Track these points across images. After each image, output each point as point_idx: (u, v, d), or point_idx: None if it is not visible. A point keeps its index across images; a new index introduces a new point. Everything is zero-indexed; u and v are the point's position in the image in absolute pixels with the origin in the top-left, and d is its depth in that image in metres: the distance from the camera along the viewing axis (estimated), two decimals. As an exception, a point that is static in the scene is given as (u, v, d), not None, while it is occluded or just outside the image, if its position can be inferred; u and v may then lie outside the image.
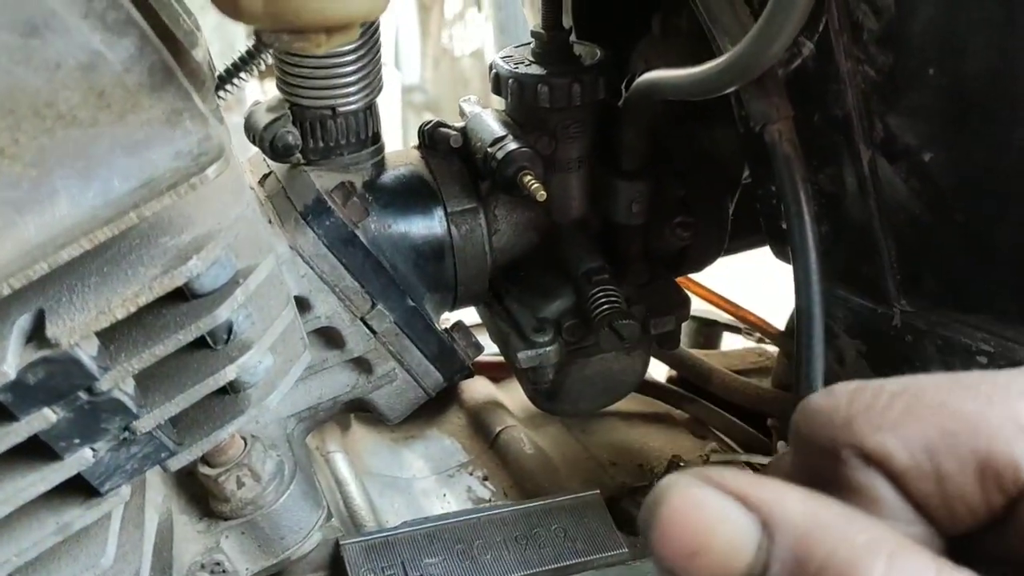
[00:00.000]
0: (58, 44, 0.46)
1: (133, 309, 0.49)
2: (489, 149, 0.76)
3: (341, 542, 0.73)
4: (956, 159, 0.58)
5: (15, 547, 0.53)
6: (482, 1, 3.61)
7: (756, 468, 0.86)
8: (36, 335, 0.49)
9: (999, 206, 0.57)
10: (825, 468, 0.32)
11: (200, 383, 0.54)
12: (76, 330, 0.48)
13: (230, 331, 0.56)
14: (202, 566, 0.69)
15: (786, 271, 0.73)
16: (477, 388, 1.04)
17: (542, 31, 0.79)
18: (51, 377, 0.49)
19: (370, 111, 0.75)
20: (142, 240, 0.52)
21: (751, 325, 1.07)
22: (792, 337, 1.00)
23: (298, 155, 0.73)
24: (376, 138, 0.77)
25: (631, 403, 1.05)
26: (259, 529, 0.69)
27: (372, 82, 0.74)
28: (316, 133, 0.73)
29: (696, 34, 0.81)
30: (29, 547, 0.53)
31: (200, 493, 0.71)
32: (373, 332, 0.73)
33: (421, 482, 0.94)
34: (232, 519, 0.69)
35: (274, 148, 0.71)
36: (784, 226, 0.72)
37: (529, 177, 0.73)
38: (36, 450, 0.52)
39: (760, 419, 1.00)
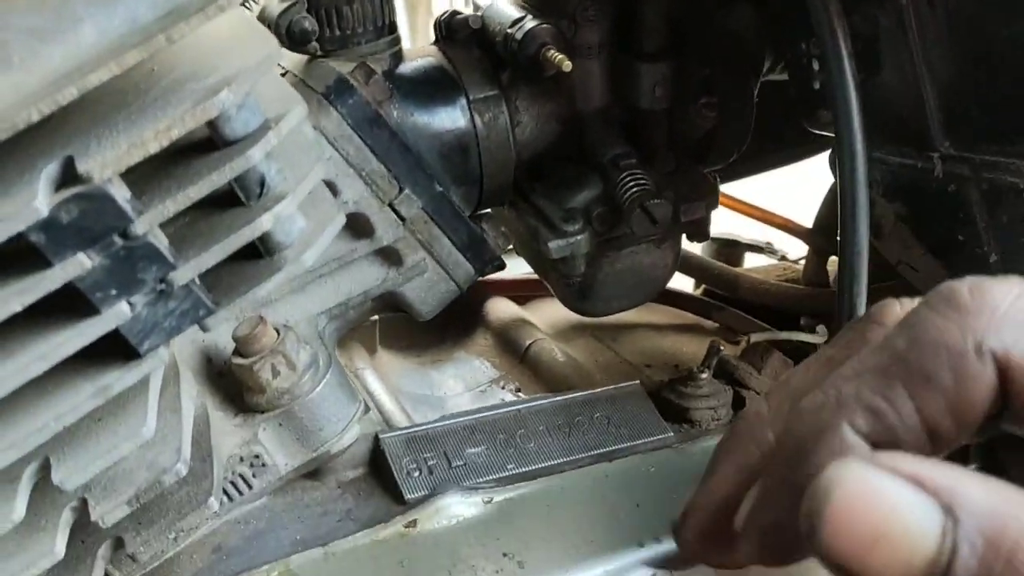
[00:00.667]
0: None
1: (165, 143, 0.47)
2: (509, 30, 0.74)
3: (380, 435, 0.71)
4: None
5: (53, 411, 0.51)
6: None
7: (798, 345, 0.84)
8: (66, 178, 0.48)
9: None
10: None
11: (236, 233, 0.52)
12: (108, 164, 0.46)
13: (262, 185, 0.54)
14: (241, 459, 0.67)
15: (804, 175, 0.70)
16: (502, 308, 1.03)
17: (555, -88, 0.77)
18: (84, 216, 0.47)
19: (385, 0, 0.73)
20: (168, 87, 0.50)
21: (778, 226, 1.05)
22: (820, 234, 0.99)
23: (315, 44, 0.71)
24: (393, 27, 0.75)
25: (660, 315, 1.03)
26: (296, 420, 0.67)
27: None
28: (332, 21, 0.71)
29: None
30: (67, 411, 0.51)
31: (234, 392, 0.69)
32: (402, 219, 0.71)
33: (454, 399, 0.92)
34: (268, 410, 0.67)
35: (290, 35, 0.70)
36: (817, 85, 0.71)
37: (552, 51, 0.72)
38: (72, 308, 0.51)
39: (793, 321, 0.98)
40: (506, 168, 0.79)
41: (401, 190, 0.71)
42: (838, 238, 0.95)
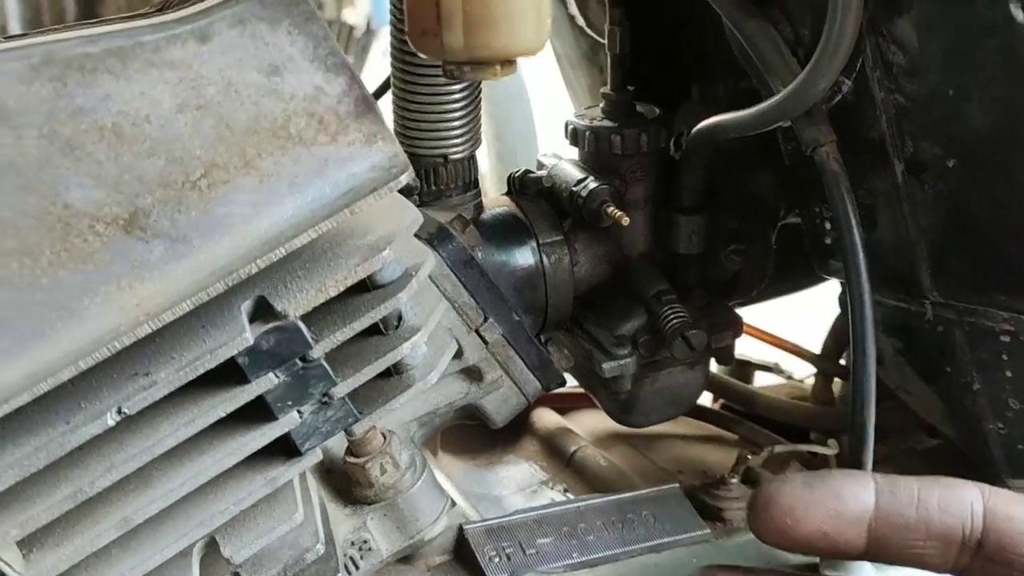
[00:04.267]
0: (292, 81, 0.60)
1: (343, 288, 0.62)
2: (574, 188, 0.90)
3: (464, 526, 0.83)
4: (974, 162, 0.72)
5: (233, 497, 0.64)
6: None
7: (816, 456, 0.97)
8: (260, 314, 0.62)
9: (1012, 195, 0.71)
10: None
11: (382, 357, 0.66)
12: (300, 305, 0.61)
13: (399, 319, 0.69)
14: (352, 543, 0.79)
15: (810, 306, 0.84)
16: (546, 418, 1.16)
17: (611, 92, 0.94)
18: (279, 344, 0.61)
19: (472, 159, 0.89)
20: (333, 242, 0.65)
21: (788, 350, 1.19)
22: (827, 359, 1.13)
23: (416, 197, 0.87)
24: (476, 183, 0.91)
25: (686, 426, 1.17)
26: (398, 511, 0.79)
27: (475, 134, 0.88)
28: (430, 179, 0.87)
29: (731, 100, 0.96)
30: (244, 497, 0.64)
31: (343, 486, 0.81)
32: (485, 342, 0.86)
33: (508, 498, 1.04)
34: (375, 503, 0.79)
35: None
36: (828, 241, 0.87)
37: (612, 207, 0.87)
38: (251, 414, 0.64)
39: (804, 434, 1.12)
40: (567, 300, 0.93)
41: (486, 319, 0.85)
42: (843, 363, 1.10)
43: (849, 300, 0.77)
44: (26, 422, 0.57)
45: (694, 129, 0.88)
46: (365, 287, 0.66)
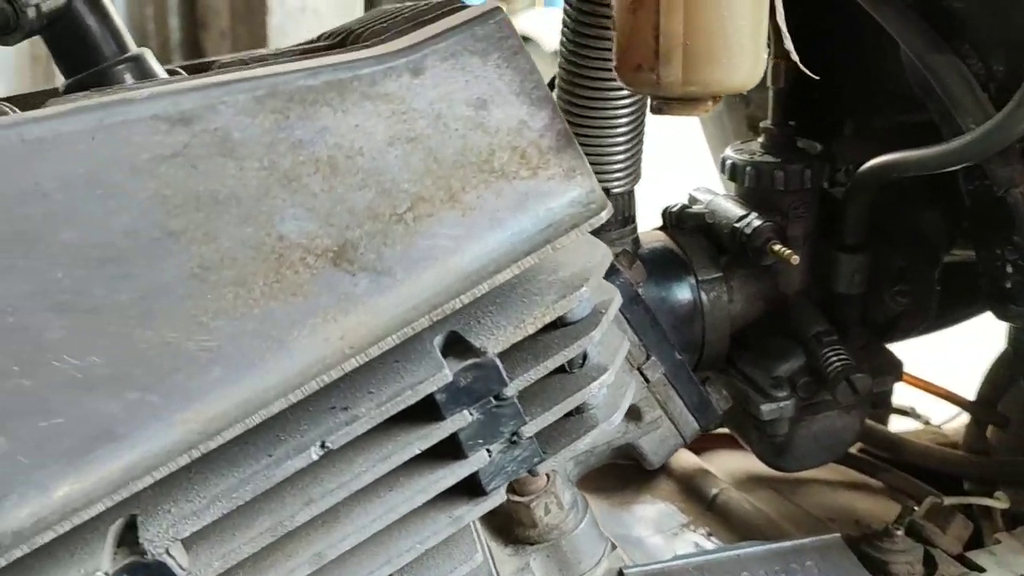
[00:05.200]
0: (498, 114, 0.59)
1: (540, 326, 0.61)
2: (736, 224, 0.88)
3: (625, 570, 0.81)
4: None
5: (418, 536, 0.63)
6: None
7: (988, 511, 0.93)
8: (454, 350, 0.61)
9: None
10: None
11: (571, 396, 0.64)
12: (499, 341, 0.60)
13: (584, 357, 0.67)
14: (514, 584, 0.77)
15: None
16: (682, 458, 1.13)
17: (772, 127, 0.92)
18: (476, 381, 0.60)
19: (631, 194, 0.88)
20: (523, 277, 0.64)
21: (939, 395, 1.15)
22: (983, 405, 1.09)
23: (576, 231, 0.85)
24: (633, 218, 0.89)
25: (827, 471, 1.13)
26: (561, 553, 0.77)
27: (636, 169, 0.87)
28: (590, 213, 0.86)
29: (889, 135, 0.93)
30: (429, 536, 0.63)
31: (503, 525, 0.80)
32: (647, 381, 0.84)
33: (648, 540, 1.02)
34: (538, 543, 0.78)
35: (560, 224, 0.84)
36: (1009, 285, 0.83)
37: (778, 245, 0.85)
38: (436, 450, 0.63)
39: (955, 485, 1.07)
40: (723, 339, 0.91)
41: (648, 357, 0.83)
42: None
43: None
44: (227, 453, 0.56)
45: (865, 166, 0.86)
46: (553, 324, 0.65)
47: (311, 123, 0.55)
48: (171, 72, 0.78)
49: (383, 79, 0.56)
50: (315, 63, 0.55)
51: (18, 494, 0.50)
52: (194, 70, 0.86)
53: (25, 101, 0.79)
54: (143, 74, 0.70)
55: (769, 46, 0.58)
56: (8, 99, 0.78)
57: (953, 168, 0.77)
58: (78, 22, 0.68)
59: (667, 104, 0.58)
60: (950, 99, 0.76)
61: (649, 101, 0.59)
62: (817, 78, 0.59)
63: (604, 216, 0.61)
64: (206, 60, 0.84)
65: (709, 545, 1.00)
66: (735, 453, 1.15)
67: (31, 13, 0.62)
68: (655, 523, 1.05)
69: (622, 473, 1.14)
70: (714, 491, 1.05)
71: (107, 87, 0.66)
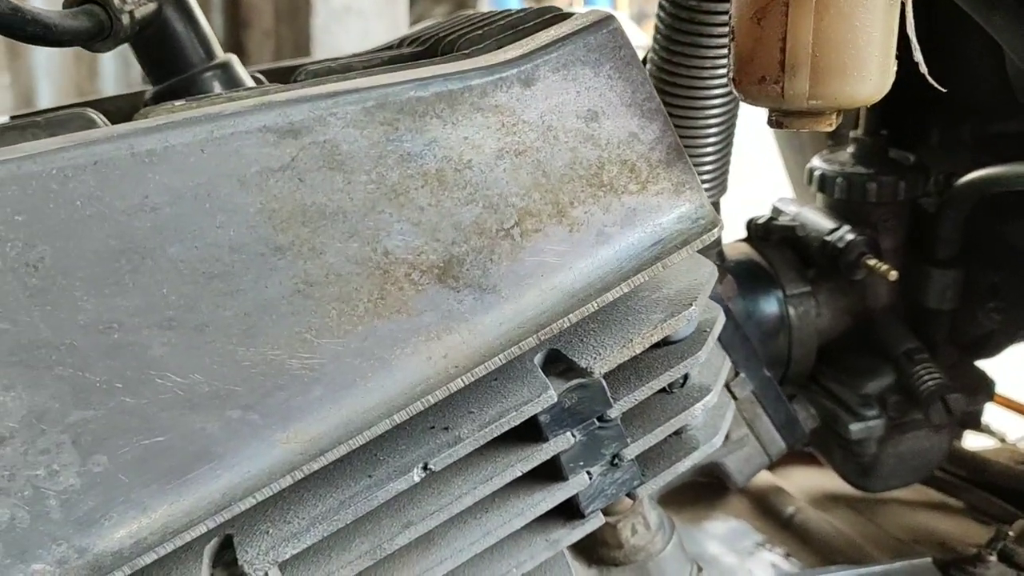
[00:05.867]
0: (608, 126, 0.57)
1: (647, 345, 0.58)
2: (827, 238, 0.85)
3: (711, 594, 0.79)
4: None
5: (514, 559, 0.61)
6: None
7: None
8: (557, 369, 0.59)
9: None
10: None
11: (673, 418, 0.62)
12: (605, 361, 0.57)
13: (686, 377, 0.65)
14: (600, 607, 0.75)
15: None
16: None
17: (864, 136, 0.89)
18: (581, 402, 0.57)
19: (717, 207, 0.85)
20: (627, 295, 0.61)
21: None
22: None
23: (662, 242, 0.83)
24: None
25: (906, 490, 1.09)
26: (647, 575, 0.75)
27: (724, 178, 0.84)
28: (676, 223, 0.83)
29: (977, 145, 0.90)
30: (526, 560, 0.61)
31: (585, 545, 0.78)
32: (734, 398, 0.81)
33: (723, 559, 0.99)
34: (623, 564, 0.75)
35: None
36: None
37: (873, 260, 0.82)
38: (534, 471, 0.61)
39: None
40: (810, 355, 0.88)
41: (737, 374, 0.80)
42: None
43: None
44: (326, 473, 0.55)
45: (963, 179, 0.83)
46: (656, 342, 0.63)
47: (420, 135, 0.53)
48: (254, 78, 0.77)
49: (494, 90, 0.54)
50: (424, 73, 0.53)
51: (118, 513, 0.49)
52: (275, 74, 0.85)
53: (108, 105, 0.78)
54: (231, 81, 0.69)
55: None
56: (90, 103, 0.77)
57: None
58: (168, 28, 0.66)
59: (787, 118, 0.55)
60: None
61: (767, 114, 0.57)
62: (944, 90, 0.56)
63: (716, 233, 0.59)
64: (287, 64, 0.83)
65: (787, 566, 0.97)
66: (808, 469, 1.12)
67: (125, 20, 0.61)
68: (729, 541, 1.02)
69: (692, 488, 1.12)
70: (790, 509, 1.02)
71: (198, 95, 0.64)
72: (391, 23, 3.62)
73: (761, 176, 1.36)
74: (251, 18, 4.29)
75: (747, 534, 1.03)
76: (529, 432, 0.58)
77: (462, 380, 0.53)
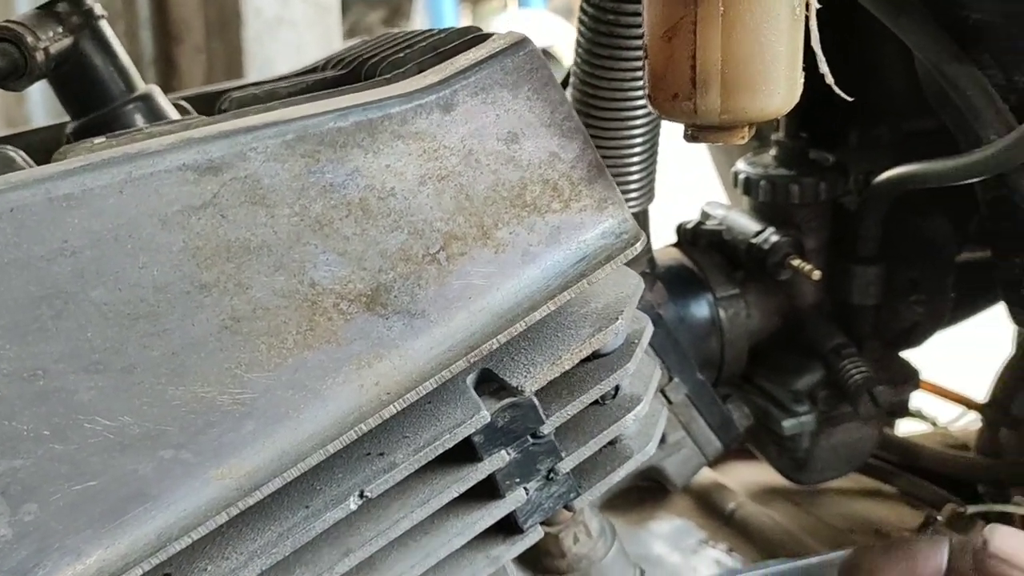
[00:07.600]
0: (529, 147, 0.58)
1: (576, 361, 0.59)
2: (753, 240, 0.87)
3: (655, 596, 0.80)
4: None
5: (457, 579, 0.62)
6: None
7: (1013, 516, 0.93)
8: (489, 389, 0.59)
9: None
10: None
11: (606, 430, 0.63)
12: (536, 379, 0.58)
13: (617, 388, 0.66)
14: (544, 617, 0.76)
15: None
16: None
17: (785, 139, 0.91)
18: (513, 420, 0.58)
19: (646, 213, 0.87)
20: (555, 311, 0.62)
21: (953, 399, 1.14)
22: (994, 408, 1.09)
23: (592, 252, 0.84)
24: (648, 237, 0.88)
25: (843, 479, 1.12)
26: (591, 582, 0.76)
27: (651, 188, 0.85)
28: (605, 233, 0.84)
29: (895, 144, 0.93)
30: (469, 578, 0.62)
31: (529, 556, 0.78)
32: (669, 402, 0.83)
33: (668, 558, 1.01)
34: (567, 572, 0.76)
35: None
36: (1029, 293, 0.83)
37: (798, 260, 0.84)
38: (473, 491, 0.61)
39: (969, 489, 1.07)
40: (742, 355, 0.90)
41: (671, 379, 0.82)
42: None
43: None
44: (263, 507, 0.55)
45: (880, 177, 0.85)
46: (586, 357, 0.64)
47: (342, 166, 0.53)
48: (178, 107, 0.76)
49: (414, 117, 0.55)
50: (344, 103, 0.54)
51: (52, 562, 0.48)
52: (200, 100, 0.84)
53: (31, 138, 0.77)
54: (152, 113, 0.68)
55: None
56: (11, 138, 0.76)
57: (974, 180, 0.76)
58: (85, 62, 0.66)
59: (702, 132, 0.57)
60: (970, 110, 0.75)
61: (684, 129, 0.58)
62: (851, 99, 0.58)
63: (639, 247, 0.60)
64: (213, 89, 0.82)
65: (730, 562, 0.99)
66: (748, 464, 1.14)
67: (40, 57, 0.60)
68: (673, 540, 1.04)
69: (636, 490, 1.13)
70: (731, 505, 1.04)
71: (119, 131, 0.63)
72: (323, 33, 3.58)
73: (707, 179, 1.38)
74: (181, 33, 4.21)
75: (691, 532, 1.05)
76: (464, 453, 0.59)
77: (395, 406, 0.54)
